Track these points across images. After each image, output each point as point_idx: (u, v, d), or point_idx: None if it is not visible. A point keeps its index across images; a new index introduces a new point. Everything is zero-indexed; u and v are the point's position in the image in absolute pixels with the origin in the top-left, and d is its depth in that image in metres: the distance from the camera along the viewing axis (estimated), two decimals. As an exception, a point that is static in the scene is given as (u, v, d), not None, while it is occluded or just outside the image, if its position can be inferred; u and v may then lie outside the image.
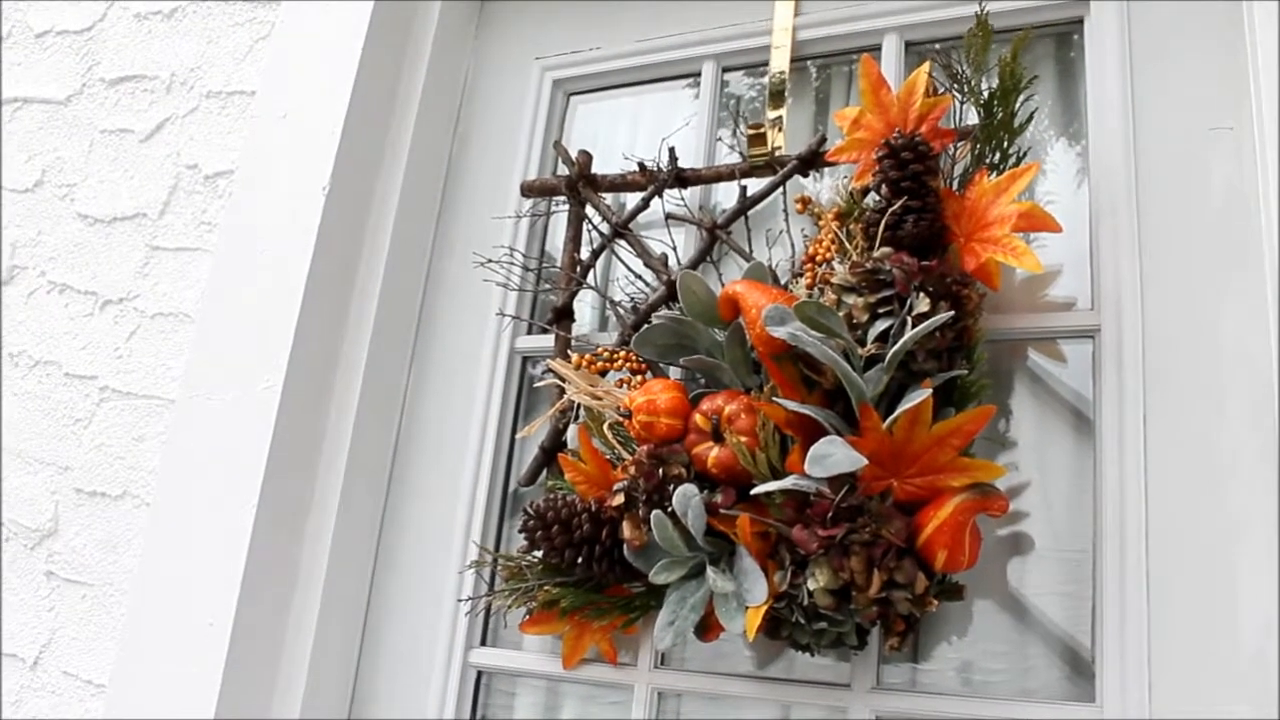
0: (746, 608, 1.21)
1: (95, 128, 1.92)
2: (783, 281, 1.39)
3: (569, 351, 1.52)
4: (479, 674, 1.53)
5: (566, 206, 1.62)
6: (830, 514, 1.15)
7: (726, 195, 1.59)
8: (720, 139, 1.63)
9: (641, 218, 1.56)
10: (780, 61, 1.54)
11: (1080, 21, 1.45)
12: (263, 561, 1.47)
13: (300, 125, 1.66)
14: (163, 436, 1.63)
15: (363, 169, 1.66)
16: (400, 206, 1.67)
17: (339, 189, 1.61)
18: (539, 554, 1.36)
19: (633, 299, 1.51)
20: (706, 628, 1.29)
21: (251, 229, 1.64)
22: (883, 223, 1.26)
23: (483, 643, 1.54)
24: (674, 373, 1.45)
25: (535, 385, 1.61)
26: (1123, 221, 1.31)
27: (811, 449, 1.15)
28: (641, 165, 1.54)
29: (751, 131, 1.48)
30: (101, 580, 1.62)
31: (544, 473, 1.51)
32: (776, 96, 1.52)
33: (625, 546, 1.30)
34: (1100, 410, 1.28)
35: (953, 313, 1.17)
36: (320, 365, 1.58)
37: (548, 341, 1.58)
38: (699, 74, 1.67)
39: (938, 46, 1.51)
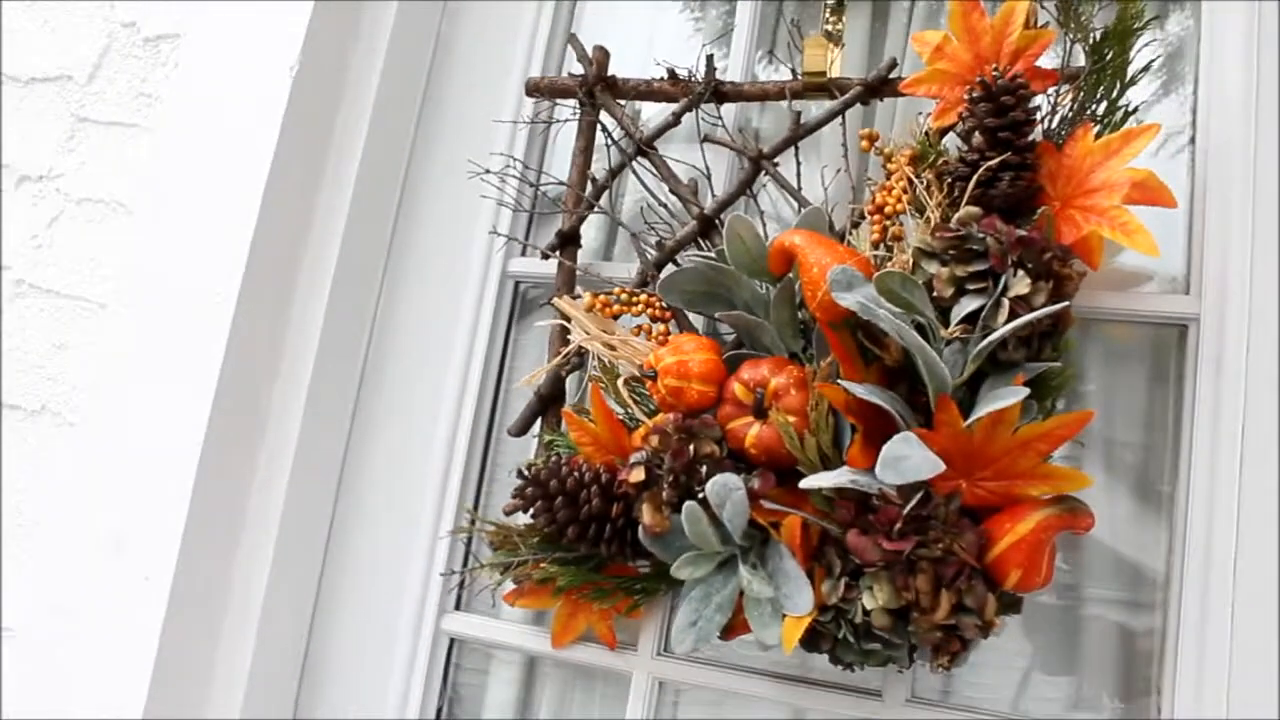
0: (784, 615, 1.06)
1: (9, -36, 1.63)
2: (837, 228, 1.20)
3: (576, 287, 1.32)
4: (451, 642, 1.36)
5: (574, 112, 1.39)
6: (898, 525, 0.99)
7: (762, 117, 1.39)
8: (773, 53, 1.41)
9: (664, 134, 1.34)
10: (842, -37, 1.32)
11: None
12: (208, 507, 1.27)
13: (265, -12, 1.39)
14: (91, 346, 1.40)
15: (336, 46, 1.40)
16: (379, 95, 1.42)
17: (309, 69, 1.36)
18: (531, 519, 1.18)
19: (654, 230, 1.30)
20: (730, 627, 1.13)
21: (202, 108, 1.39)
22: (974, 179, 1.07)
23: (456, 607, 1.36)
24: (697, 322, 1.26)
25: (536, 324, 1.41)
26: (1235, 194, 1.14)
27: (885, 450, 0.98)
28: (672, 73, 1.32)
29: (811, 48, 1.26)
30: (12, 508, 1.40)
31: (538, 422, 1.32)
32: (838, 7, 1.31)
33: (640, 529, 1.13)
34: (1194, 411, 1.12)
35: (1067, 303, 1.00)
36: (279, 276, 1.36)
37: (547, 267, 1.36)
38: (738, -33, 1.44)
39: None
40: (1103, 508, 1.17)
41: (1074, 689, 1.18)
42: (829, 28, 1.29)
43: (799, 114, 1.26)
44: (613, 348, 1.22)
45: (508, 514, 1.23)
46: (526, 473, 1.16)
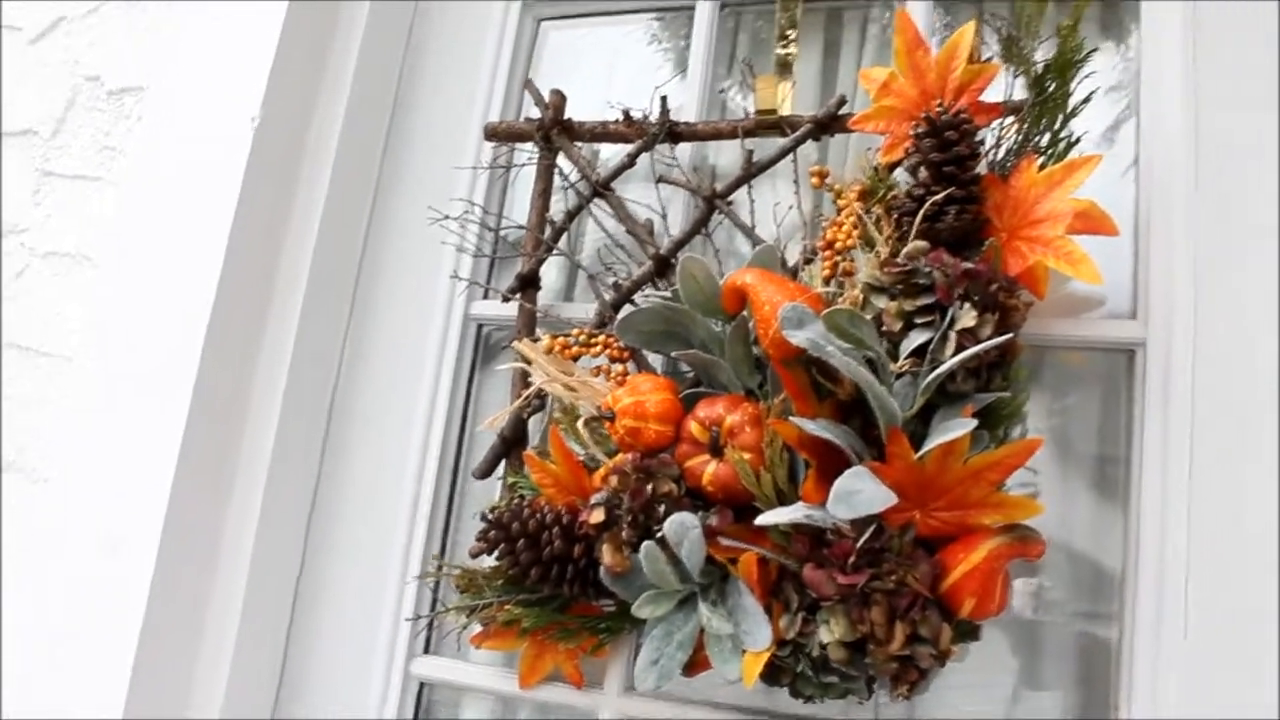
0: (744, 651, 1.07)
1: (-26, 20, 1.65)
2: (790, 264, 1.21)
3: (537, 329, 1.33)
4: (421, 685, 1.36)
5: (531, 155, 1.40)
6: (851, 558, 1.00)
7: (719, 154, 1.40)
8: (725, 90, 1.43)
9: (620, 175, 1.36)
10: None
11: (1136, -20, 1.27)
12: (177, 554, 1.28)
13: (226, 42, 1.41)
14: (60, 400, 1.41)
15: (298, 99, 1.42)
16: (341, 144, 1.43)
17: (271, 121, 1.38)
18: (495, 561, 1.19)
19: (612, 270, 1.31)
20: (693, 664, 1.13)
21: (165, 160, 1.41)
22: (920, 213, 1.09)
23: (425, 650, 1.36)
24: (655, 360, 1.28)
25: (497, 367, 1.42)
26: (1178, 221, 1.15)
27: (837, 485, 0.99)
28: (627, 114, 1.34)
29: (762, 86, 1.28)
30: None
31: (502, 464, 1.32)
32: (788, 43, 1.32)
33: (602, 569, 1.14)
34: (1142, 434, 1.13)
35: (1010, 335, 1.01)
36: (245, 325, 1.37)
37: (508, 309, 1.37)
38: (692, 7, 1.45)
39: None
40: (1065, 523, 1.20)
41: (1040, 702, 1.19)
42: (783, 53, 1.30)
43: (751, 152, 1.27)
44: (572, 389, 1.23)
45: (473, 557, 1.23)
46: (490, 516, 1.17)
